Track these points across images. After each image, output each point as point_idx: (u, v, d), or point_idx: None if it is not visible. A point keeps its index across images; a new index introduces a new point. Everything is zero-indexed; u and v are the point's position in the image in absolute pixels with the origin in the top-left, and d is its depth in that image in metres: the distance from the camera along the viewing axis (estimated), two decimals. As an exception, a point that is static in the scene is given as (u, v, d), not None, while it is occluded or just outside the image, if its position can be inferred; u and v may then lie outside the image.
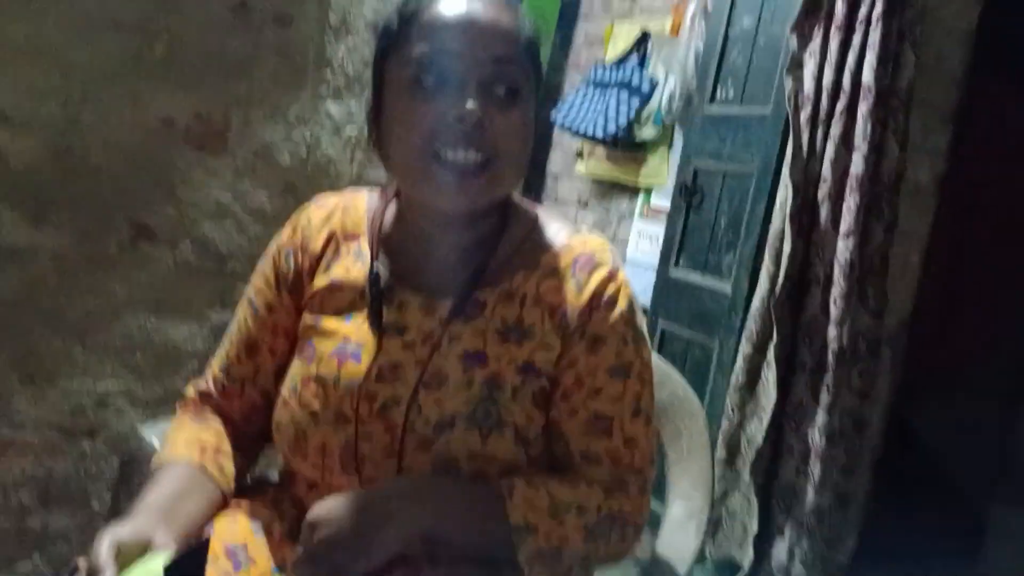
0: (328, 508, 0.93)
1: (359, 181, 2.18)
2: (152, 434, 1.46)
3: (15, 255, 1.90)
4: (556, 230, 1.10)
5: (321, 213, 1.15)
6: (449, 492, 0.97)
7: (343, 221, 1.14)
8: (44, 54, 1.85)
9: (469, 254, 1.07)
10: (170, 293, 2.04)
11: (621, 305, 1.04)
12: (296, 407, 1.05)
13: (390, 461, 1.00)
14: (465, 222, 1.05)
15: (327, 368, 1.05)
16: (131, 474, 1.38)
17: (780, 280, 2.22)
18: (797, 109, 2.24)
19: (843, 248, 2.23)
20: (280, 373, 1.12)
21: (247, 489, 1.14)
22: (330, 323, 1.08)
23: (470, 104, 0.96)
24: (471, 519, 0.97)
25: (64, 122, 1.89)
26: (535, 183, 4.07)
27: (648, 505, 1.05)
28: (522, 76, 1.00)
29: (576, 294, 1.04)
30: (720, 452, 2.38)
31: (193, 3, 1.95)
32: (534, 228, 1.09)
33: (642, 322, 1.08)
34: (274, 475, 1.21)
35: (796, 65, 2.24)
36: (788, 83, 2.25)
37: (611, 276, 1.05)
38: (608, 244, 1.09)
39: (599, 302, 1.04)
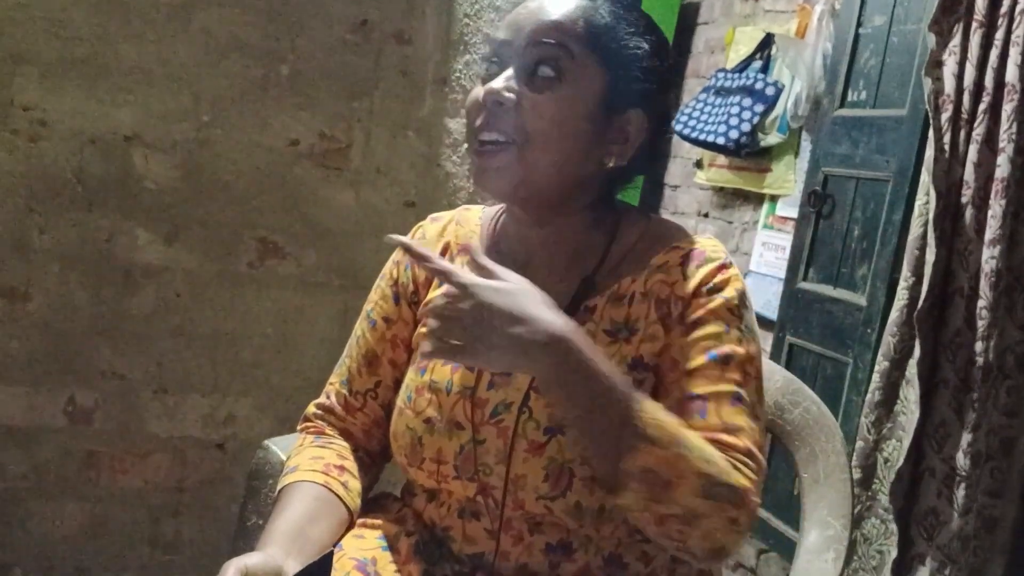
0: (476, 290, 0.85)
1: (476, 196, 2.18)
2: (279, 447, 1.47)
3: (150, 272, 1.97)
4: (667, 233, 1.07)
5: (436, 227, 1.17)
6: (593, 355, 0.88)
7: (457, 233, 1.15)
8: (175, 78, 1.93)
9: (577, 262, 1.06)
10: (296, 308, 2.09)
11: (727, 293, 1.00)
12: (411, 415, 1.06)
13: (502, 466, 1.00)
14: (539, 218, 1.05)
15: (440, 376, 1.05)
16: (259, 487, 1.40)
17: (924, 291, 2.10)
18: (938, 110, 2.12)
19: (988, 256, 2.09)
20: (399, 386, 1.12)
21: (372, 505, 1.15)
22: None
23: (496, 84, 0.98)
24: (598, 394, 0.87)
25: (195, 143, 1.96)
26: (652, 193, 4.00)
27: (758, 503, 0.94)
28: (567, 61, 0.98)
29: (683, 285, 1.01)
30: (855, 474, 2.26)
31: (317, 24, 1.99)
32: (644, 233, 1.07)
33: (751, 319, 1.02)
34: (397, 492, 1.21)
35: (935, 64, 2.12)
36: (927, 84, 2.12)
37: (721, 267, 1.02)
38: (721, 245, 1.06)
39: (703, 289, 1.00)
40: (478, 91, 1.01)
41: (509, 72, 0.99)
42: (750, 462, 0.93)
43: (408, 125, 2.12)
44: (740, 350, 0.99)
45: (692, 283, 1.01)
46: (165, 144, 1.94)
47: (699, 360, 0.98)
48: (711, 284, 1.00)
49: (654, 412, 0.89)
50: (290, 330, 2.10)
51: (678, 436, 0.89)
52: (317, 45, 2.00)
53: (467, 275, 0.87)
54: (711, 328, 0.99)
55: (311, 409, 1.19)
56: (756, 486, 0.93)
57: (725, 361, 0.98)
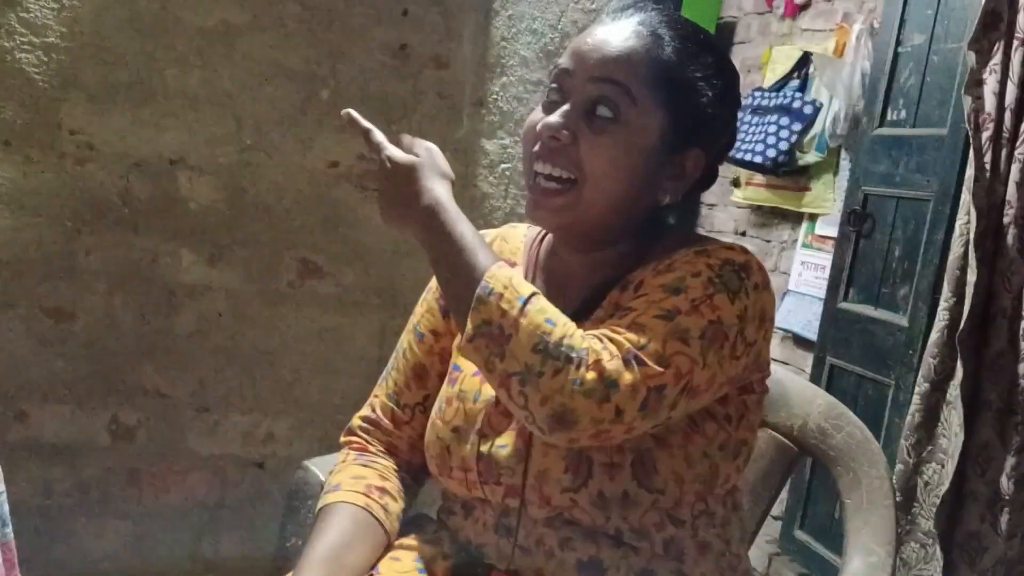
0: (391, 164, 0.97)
1: (512, 216, 2.19)
2: (318, 468, 1.48)
3: (193, 292, 2.00)
4: (700, 239, 1.05)
5: None
6: (459, 226, 0.96)
7: (502, 249, 1.16)
8: (219, 102, 1.96)
9: (610, 281, 1.05)
10: (335, 328, 2.11)
11: (718, 254, 0.97)
12: (441, 425, 1.07)
13: (523, 465, 1.00)
14: (585, 247, 1.05)
15: (469, 386, 1.07)
16: (298, 507, 1.41)
17: (965, 312, 2.07)
18: (979, 129, 2.10)
19: (1032, 277, 2.06)
20: None
21: (408, 526, 1.15)
22: None
23: (553, 119, 0.98)
24: (457, 257, 0.94)
25: (237, 166, 1.99)
26: (688, 211, 3.99)
27: (637, 401, 0.88)
28: (627, 104, 0.97)
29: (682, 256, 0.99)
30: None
31: (356, 49, 2.02)
32: (679, 244, 1.04)
33: (737, 284, 0.95)
34: (433, 513, 1.21)
35: (975, 83, 2.10)
36: (967, 102, 2.10)
37: (727, 247, 0.99)
38: (749, 250, 1.02)
39: (693, 253, 0.98)
40: (537, 119, 1.01)
41: (567, 107, 0.99)
42: (629, 347, 0.89)
43: (445, 146, 2.09)
44: (698, 291, 0.93)
45: (690, 254, 0.99)
46: (209, 167, 1.97)
47: (650, 289, 0.96)
48: (704, 251, 0.98)
49: (508, 277, 0.92)
50: (329, 349, 2.11)
51: (526, 296, 0.91)
52: (357, 69, 2.02)
53: (388, 153, 0.98)
54: (679, 273, 0.96)
55: (356, 422, 1.19)
56: (613, 365, 0.88)
57: (675, 291, 0.93)
